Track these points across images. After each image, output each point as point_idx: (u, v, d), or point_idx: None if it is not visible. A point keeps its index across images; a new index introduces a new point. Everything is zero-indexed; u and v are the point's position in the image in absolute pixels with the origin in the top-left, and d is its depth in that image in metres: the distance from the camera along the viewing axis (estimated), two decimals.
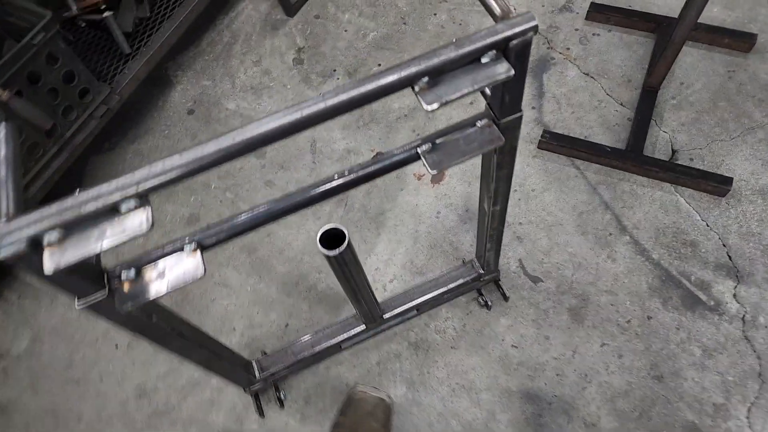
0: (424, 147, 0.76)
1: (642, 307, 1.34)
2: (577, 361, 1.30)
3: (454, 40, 0.63)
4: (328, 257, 0.86)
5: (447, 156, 0.75)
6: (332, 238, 0.86)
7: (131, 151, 1.81)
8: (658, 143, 1.54)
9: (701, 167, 1.47)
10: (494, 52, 0.64)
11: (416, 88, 0.62)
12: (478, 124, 0.77)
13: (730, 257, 1.37)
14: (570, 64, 1.73)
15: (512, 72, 0.63)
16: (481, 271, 1.29)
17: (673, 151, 1.53)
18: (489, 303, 1.37)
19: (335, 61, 1.87)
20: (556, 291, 1.39)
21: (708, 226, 1.42)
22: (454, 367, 1.34)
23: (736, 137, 1.51)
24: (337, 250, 0.85)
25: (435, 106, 0.61)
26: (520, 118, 0.76)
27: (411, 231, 1.54)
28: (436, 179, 1.61)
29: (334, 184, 0.79)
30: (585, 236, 1.45)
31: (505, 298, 1.38)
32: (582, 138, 1.56)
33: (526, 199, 1.53)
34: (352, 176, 0.79)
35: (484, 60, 0.64)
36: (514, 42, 0.63)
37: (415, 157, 0.78)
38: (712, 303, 1.32)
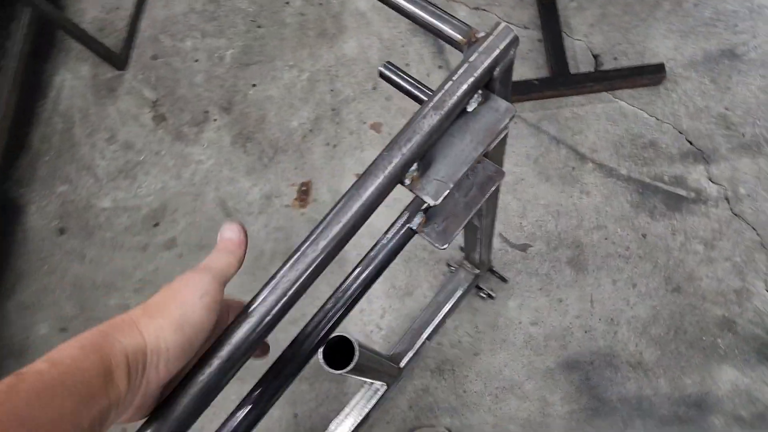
0: (417, 220, 0.74)
1: (633, 228, 1.58)
2: (597, 309, 1.53)
3: (425, 102, 0.58)
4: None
5: (450, 220, 0.74)
6: (335, 347, 0.88)
7: (12, 307, 1.80)
8: (578, 55, 1.76)
9: (628, 64, 1.71)
10: (480, 92, 0.61)
11: (407, 182, 0.59)
12: None
13: (690, 142, 1.64)
14: (455, 4, 1.90)
15: (514, 111, 0.61)
16: (477, 272, 1.46)
17: (595, 57, 1.76)
18: (491, 293, 1.56)
19: (202, 101, 1.93)
20: (548, 249, 1.60)
21: (658, 119, 1.67)
22: (486, 373, 1.52)
23: (647, 18, 1.76)
24: (350, 365, 0.88)
25: (444, 193, 0.59)
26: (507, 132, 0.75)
27: None
28: None
29: (321, 320, 0.74)
30: (550, 181, 1.66)
31: (504, 280, 1.57)
32: None
33: None
34: (343, 301, 0.75)
35: (470, 108, 0.62)
36: (498, 70, 0.60)
37: (410, 236, 0.79)
38: (693, 195, 1.59)
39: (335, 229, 0.55)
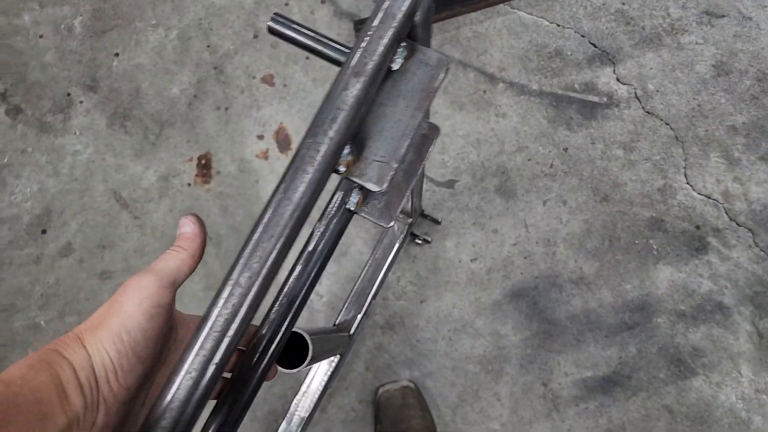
0: (354, 199, 0.60)
1: (554, 144, 1.45)
2: (533, 233, 1.42)
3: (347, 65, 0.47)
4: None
5: (391, 193, 0.60)
6: (287, 345, 0.79)
7: None
8: None
9: None
10: (403, 44, 0.50)
11: (341, 170, 0.49)
12: None
13: (594, 44, 1.49)
14: None
15: (447, 61, 0.51)
16: (410, 220, 1.29)
17: None
18: (427, 238, 1.41)
19: (60, 83, 1.56)
20: (475, 181, 1.45)
21: (559, 25, 1.51)
22: (436, 318, 1.40)
23: None
24: (306, 361, 0.80)
25: (388, 178, 0.48)
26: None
27: None
28: (284, 147, 1.51)
29: (269, 334, 0.58)
30: (465, 110, 1.48)
31: (437, 222, 1.43)
32: None
33: None
34: (286, 306, 0.59)
35: (395, 66, 0.51)
36: (419, 13, 0.49)
37: (349, 218, 0.63)
38: (606, 99, 1.47)
39: (268, 246, 0.43)
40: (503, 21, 1.53)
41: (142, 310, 0.42)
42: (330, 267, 1.45)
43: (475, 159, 1.47)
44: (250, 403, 0.55)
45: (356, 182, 0.49)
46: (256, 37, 1.56)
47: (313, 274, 0.61)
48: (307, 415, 1.28)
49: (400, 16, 0.47)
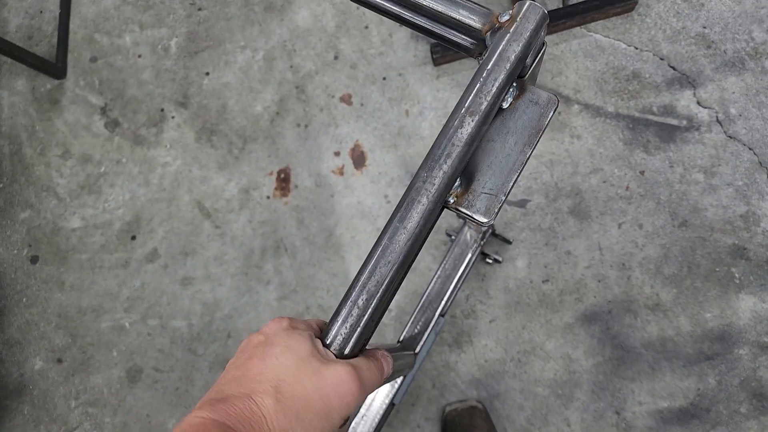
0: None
1: (630, 166, 1.32)
2: (607, 256, 1.29)
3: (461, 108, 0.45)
4: None
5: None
6: None
7: (2, 342, 1.46)
8: None
9: None
10: (514, 84, 0.49)
11: (451, 201, 0.47)
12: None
13: (673, 67, 1.36)
14: None
15: (556, 101, 0.49)
16: (484, 228, 1.18)
17: None
18: (497, 258, 1.30)
19: (155, 99, 1.55)
20: (548, 202, 1.33)
21: (637, 48, 1.38)
22: (505, 339, 1.28)
23: None
24: None
25: (496, 210, 0.46)
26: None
27: (372, 232, 1.39)
28: (359, 163, 1.43)
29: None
30: None
31: (508, 242, 1.31)
32: None
33: None
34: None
35: (506, 104, 0.49)
36: (531, 57, 0.48)
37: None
38: (685, 122, 1.33)
39: (383, 271, 0.43)
40: (579, 43, 1.41)
41: (343, 425, 0.41)
42: None
43: (549, 179, 1.35)
44: None
45: (464, 213, 0.47)
46: (336, 58, 1.51)
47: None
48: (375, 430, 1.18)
49: (513, 60, 0.45)
